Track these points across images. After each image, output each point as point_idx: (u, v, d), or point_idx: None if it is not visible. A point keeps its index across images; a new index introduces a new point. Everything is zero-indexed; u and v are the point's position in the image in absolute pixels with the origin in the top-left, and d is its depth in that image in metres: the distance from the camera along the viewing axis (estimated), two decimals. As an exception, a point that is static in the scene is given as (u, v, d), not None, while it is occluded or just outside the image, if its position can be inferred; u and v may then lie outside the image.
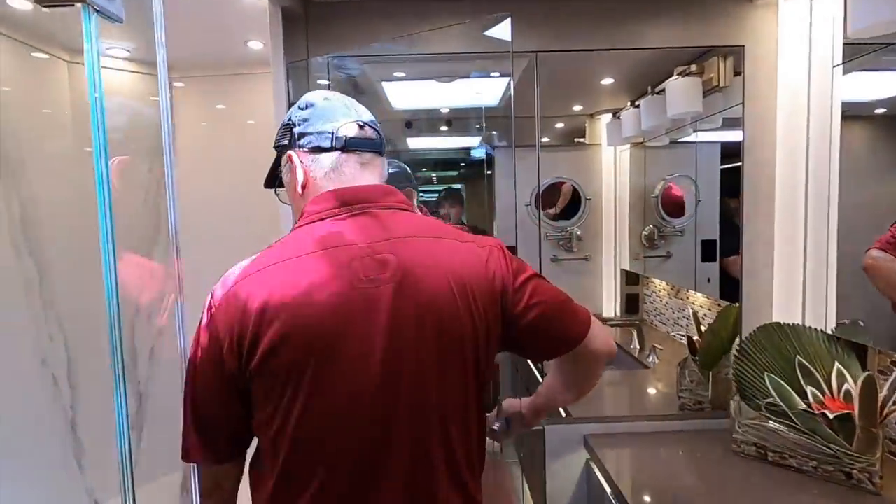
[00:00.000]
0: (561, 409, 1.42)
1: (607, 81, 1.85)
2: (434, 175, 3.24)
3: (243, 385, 0.67)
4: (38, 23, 1.46)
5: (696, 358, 1.46)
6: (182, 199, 1.87)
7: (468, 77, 1.83)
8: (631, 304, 2.35)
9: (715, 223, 1.69)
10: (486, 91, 1.97)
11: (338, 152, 0.74)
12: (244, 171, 1.34)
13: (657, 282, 2.17)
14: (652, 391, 1.72)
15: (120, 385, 0.65)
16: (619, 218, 2.34)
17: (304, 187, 0.74)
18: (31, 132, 1.49)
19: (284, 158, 0.77)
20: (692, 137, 1.82)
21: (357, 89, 2.03)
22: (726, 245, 1.60)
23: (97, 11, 0.56)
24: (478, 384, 0.73)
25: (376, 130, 0.78)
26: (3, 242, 1.40)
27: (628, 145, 2.19)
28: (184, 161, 1.87)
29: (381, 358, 0.65)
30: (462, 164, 2.94)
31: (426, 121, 2.49)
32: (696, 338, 1.48)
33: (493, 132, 2.23)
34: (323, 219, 0.70)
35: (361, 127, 0.75)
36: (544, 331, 0.77)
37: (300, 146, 0.75)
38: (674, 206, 1.98)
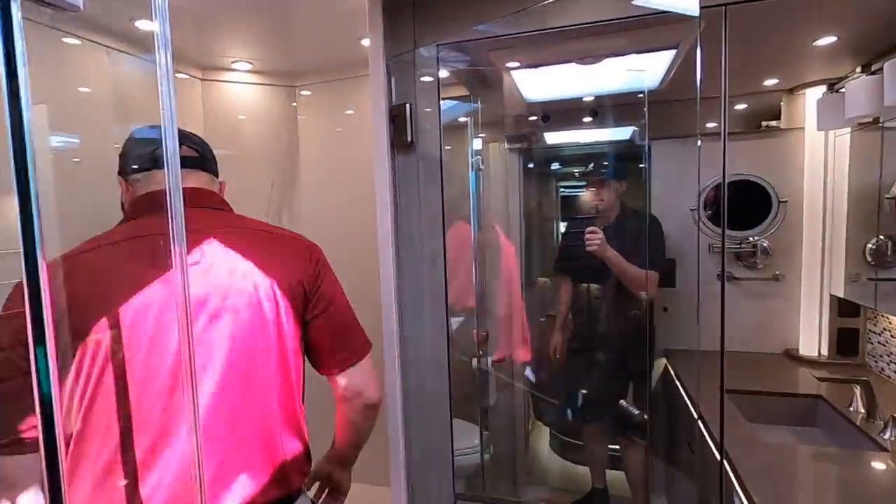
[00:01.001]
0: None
1: (826, 41, 1.32)
2: (577, 171, 2.89)
3: None
4: (176, 44, 1.49)
5: None
6: (314, 208, 1.84)
7: (618, 55, 1.46)
8: (846, 343, 1.73)
9: None
10: (642, 70, 1.57)
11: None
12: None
13: (892, 318, 1.54)
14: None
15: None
16: (829, 226, 1.73)
17: None
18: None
19: None
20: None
21: (482, 82, 1.78)
22: None
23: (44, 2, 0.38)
24: None
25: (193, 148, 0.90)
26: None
27: (848, 129, 1.59)
28: (317, 169, 1.83)
29: None
30: (610, 159, 2.54)
31: (566, 112, 2.15)
32: None
33: (642, 122, 1.84)
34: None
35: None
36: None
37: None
38: (930, 214, 1.36)
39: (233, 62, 1.62)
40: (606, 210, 1.89)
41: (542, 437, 2.65)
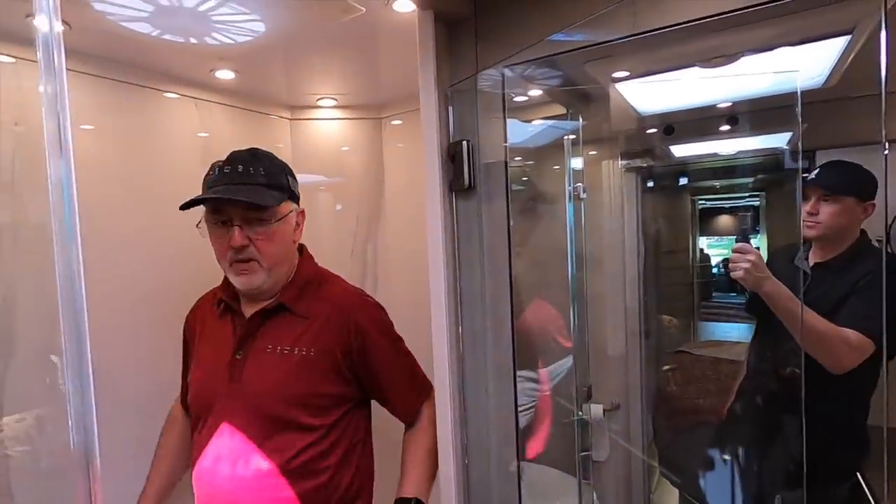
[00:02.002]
0: None
1: None
2: (718, 184, 2.46)
3: None
4: (261, 89, 1.52)
5: None
6: (399, 241, 1.76)
7: (761, 51, 1.12)
8: None
9: None
10: (797, 65, 1.20)
11: None
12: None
13: None
14: None
15: None
16: None
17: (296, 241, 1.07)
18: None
19: (295, 209, 1.06)
20: None
21: (582, 98, 1.53)
22: None
23: None
24: None
25: None
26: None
27: None
28: (404, 202, 1.74)
29: None
30: (759, 173, 2.09)
31: (694, 122, 1.78)
32: None
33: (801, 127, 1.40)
34: None
35: None
36: None
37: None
38: None
39: (318, 99, 1.60)
40: (824, 236, 1.23)
41: (671, 498, 2.24)
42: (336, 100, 1.61)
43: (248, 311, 1.01)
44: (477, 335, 0.93)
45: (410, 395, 1.09)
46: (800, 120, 1.32)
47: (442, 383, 0.90)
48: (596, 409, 1.75)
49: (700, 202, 2.44)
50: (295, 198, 1.05)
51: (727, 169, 2.12)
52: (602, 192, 1.90)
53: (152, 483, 1.10)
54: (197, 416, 1.02)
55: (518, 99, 1.14)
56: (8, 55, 1.04)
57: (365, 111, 1.69)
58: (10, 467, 1.09)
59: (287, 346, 0.97)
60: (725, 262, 2.16)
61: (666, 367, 2.10)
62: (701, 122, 1.78)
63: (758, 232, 2.13)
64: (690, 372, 2.12)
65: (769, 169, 1.96)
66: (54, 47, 0.43)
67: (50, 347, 1.13)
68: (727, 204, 2.42)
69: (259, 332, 1.00)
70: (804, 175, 1.58)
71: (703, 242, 2.43)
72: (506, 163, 0.87)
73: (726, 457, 1.82)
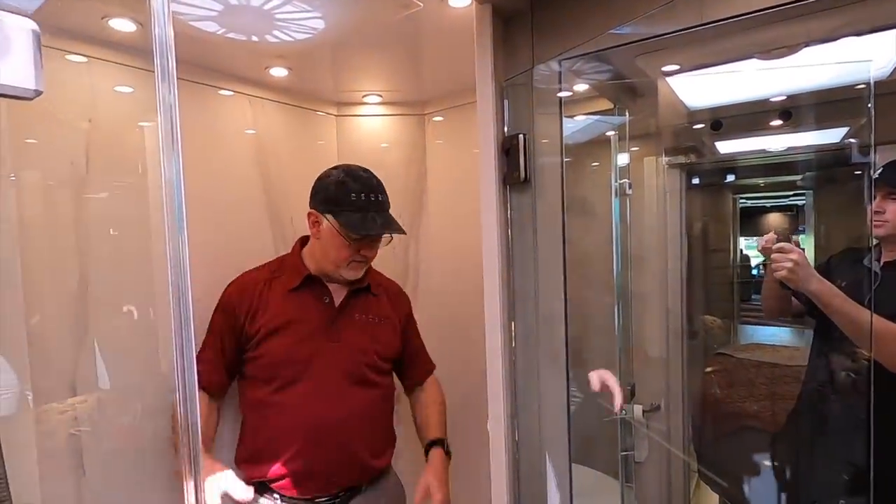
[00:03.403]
0: None
1: None
2: (762, 183, 2.38)
3: None
4: (310, 86, 1.55)
5: None
6: (441, 238, 1.77)
7: (824, 41, 1.08)
8: None
9: None
10: (860, 56, 1.14)
11: None
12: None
13: None
14: None
15: None
16: None
17: None
18: (304, 187, 1.60)
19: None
20: None
21: (630, 92, 1.50)
22: None
23: None
24: None
25: None
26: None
27: None
28: (446, 198, 1.75)
29: None
30: (807, 170, 2.01)
31: (744, 116, 1.72)
32: None
33: (861, 121, 1.33)
34: None
35: None
36: None
37: None
38: None
39: (364, 96, 1.63)
40: (893, 235, 1.19)
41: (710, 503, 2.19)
42: (381, 96, 1.63)
43: (335, 289, 1.26)
44: (529, 331, 0.93)
45: (426, 359, 1.46)
46: (872, 112, 1.26)
47: (495, 377, 0.91)
48: (636, 410, 1.73)
49: (741, 201, 2.36)
50: None
51: (775, 166, 2.04)
52: (644, 189, 1.86)
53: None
54: (286, 374, 1.18)
55: (562, 94, 1.13)
56: (82, 55, 1.09)
57: (409, 108, 1.71)
58: (78, 448, 1.15)
59: (371, 314, 1.28)
60: (765, 264, 2.08)
61: (708, 370, 2.05)
62: (751, 116, 1.72)
63: (803, 232, 2.05)
64: (733, 375, 2.06)
65: (820, 166, 1.88)
66: (168, 54, 0.45)
67: (115, 332, 1.19)
68: (768, 203, 2.35)
69: (350, 305, 1.27)
70: (858, 172, 1.50)
71: (742, 243, 2.35)
72: (562, 156, 0.86)
73: (776, 463, 1.77)
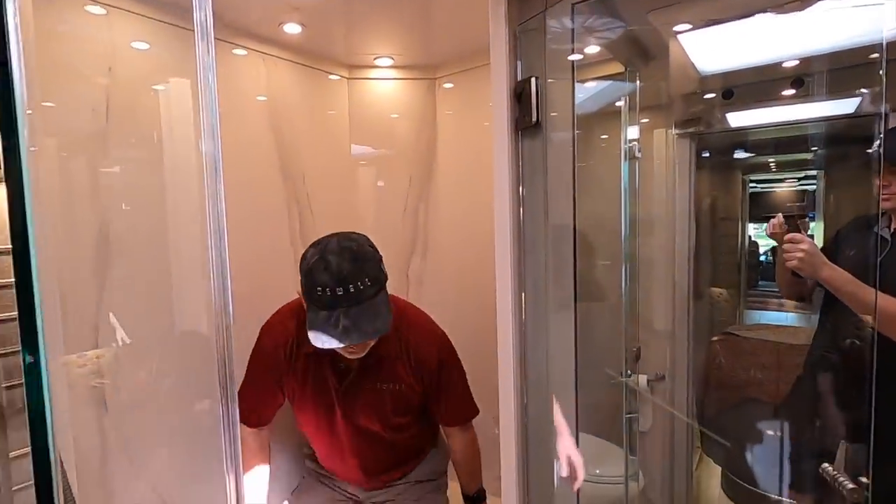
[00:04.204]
0: None
1: None
2: (772, 161, 2.34)
3: None
4: (323, 45, 1.56)
5: None
6: (450, 203, 1.79)
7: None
8: None
9: None
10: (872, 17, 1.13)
11: None
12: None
13: None
14: None
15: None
16: None
17: None
18: (315, 144, 1.62)
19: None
20: None
21: (642, 54, 1.50)
22: None
23: None
24: None
25: None
26: (284, 242, 1.55)
27: None
28: (456, 163, 1.77)
29: None
30: (819, 146, 1.98)
31: (756, 85, 1.71)
32: None
33: (875, 89, 1.30)
34: None
35: None
36: None
37: None
38: None
39: (375, 59, 1.64)
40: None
41: (711, 476, 2.22)
42: (392, 59, 1.64)
43: (349, 360, 1.19)
44: (538, 275, 0.95)
45: (455, 407, 1.33)
46: (884, 78, 1.24)
47: (504, 320, 0.93)
48: (641, 379, 1.75)
49: (751, 185, 2.34)
50: (385, 279, 1.13)
51: (786, 143, 2.02)
52: (654, 162, 1.86)
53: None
54: (310, 432, 1.33)
55: (574, 57, 1.13)
56: (101, 4, 1.11)
57: (419, 71, 1.72)
58: (97, 399, 1.18)
59: (384, 382, 1.22)
60: (774, 250, 2.07)
61: (714, 339, 2.07)
62: (763, 85, 1.71)
63: (813, 218, 2.04)
64: (738, 350, 2.07)
65: (832, 141, 1.85)
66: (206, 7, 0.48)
67: (134, 286, 1.22)
68: (779, 188, 2.32)
69: (363, 372, 1.21)
70: (868, 150, 1.48)
71: (751, 230, 2.33)
72: (573, 95, 0.88)
73: (778, 433, 1.79)
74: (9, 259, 0.96)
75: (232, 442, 0.71)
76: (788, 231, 1.30)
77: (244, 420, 1.20)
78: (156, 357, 1.27)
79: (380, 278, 1.09)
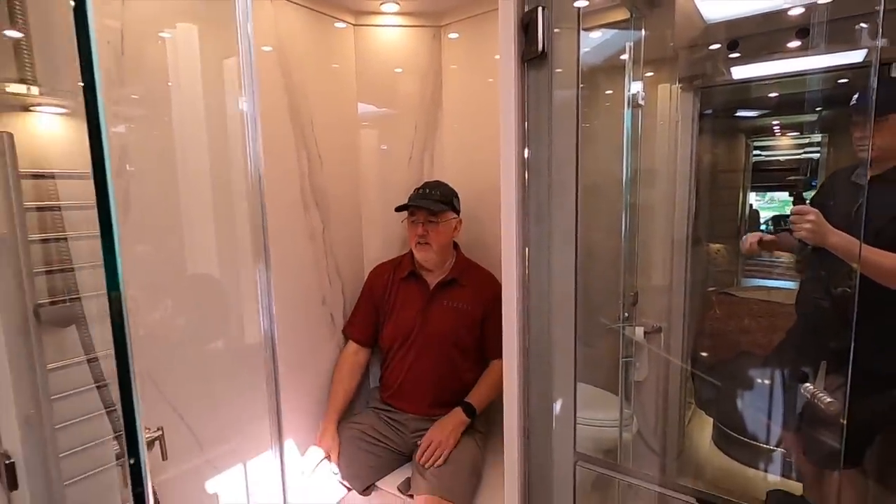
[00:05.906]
0: None
1: None
2: (777, 122, 2.33)
3: None
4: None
5: None
6: (455, 151, 1.82)
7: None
8: None
9: None
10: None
11: None
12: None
13: None
14: None
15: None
16: None
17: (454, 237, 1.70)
18: (323, 90, 1.63)
19: (454, 218, 1.68)
20: None
21: (649, 1, 1.50)
22: None
23: None
24: None
25: None
26: (295, 193, 1.59)
27: None
28: (461, 112, 1.78)
29: None
30: (824, 107, 1.96)
31: (761, 36, 1.71)
32: None
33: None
34: None
35: None
36: None
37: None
38: None
39: (381, 4, 1.64)
40: (879, 157, 1.22)
41: (703, 429, 2.31)
42: (398, 4, 1.64)
43: (431, 281, 1.67)
44: (542, 203, 0.99)
45: (494, 344, 1.61)
46: (880, 19, 1.24)
47: (508, 246, 0.98)
48: (637, 331, 1.80)
49: (755, 153, 2.34)
50: (456, 211, 1.66)
51: (789, 102, 2.02)
52: (657, 117, 1.87)
53: (334, 403, 1.68)
54: (392, 345, 1.68)
55: (580, 4, 1.14)
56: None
57: (424, 18, 1.72)
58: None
59: (455, 302, 1.65)
60: (776, 218, 2.09)
61: (711, 289, 2.12)
62: (768, 36, 1.70)
63: (815, 188, 2.05)
64: (733, 308, 2.13)
65: (835, 101, 1.84)
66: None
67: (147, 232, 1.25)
68: (782, 156, 2.32)
69: (439, 293, 1.66)
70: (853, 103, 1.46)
71: (752, 198, 2.34)
72: (578, 27, 0.90)
73: (768, 382, 1.85)
74: (54, 182, 1.00)
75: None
76: (768, 244, 1.40)
77: (347, 332, 1.75)
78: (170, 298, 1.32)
79: (448, 199, 1.61)
